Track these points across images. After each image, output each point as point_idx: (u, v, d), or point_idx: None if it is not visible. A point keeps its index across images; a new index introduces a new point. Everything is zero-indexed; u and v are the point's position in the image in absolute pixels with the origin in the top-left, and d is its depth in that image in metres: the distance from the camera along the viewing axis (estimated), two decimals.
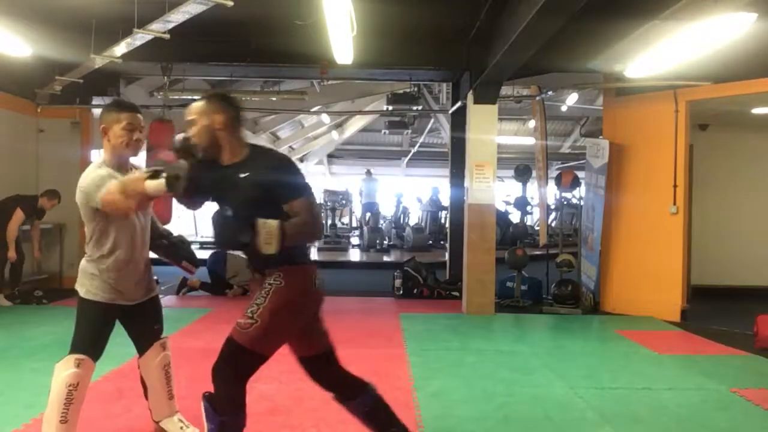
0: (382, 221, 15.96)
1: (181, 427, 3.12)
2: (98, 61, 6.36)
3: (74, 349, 2.78)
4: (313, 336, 2.64)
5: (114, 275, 2.82)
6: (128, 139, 2.83)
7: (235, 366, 2.41)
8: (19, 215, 6.66)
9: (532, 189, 14.16)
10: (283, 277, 2.46)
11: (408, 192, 18.67)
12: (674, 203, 6.65)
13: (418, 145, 21.89)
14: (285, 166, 2.52)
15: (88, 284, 2.82)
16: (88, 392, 3.82)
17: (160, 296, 3.25)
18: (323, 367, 2.67)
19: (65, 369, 2.74)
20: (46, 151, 8.02)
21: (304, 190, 2.46)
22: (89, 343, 2.81)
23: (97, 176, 2.74)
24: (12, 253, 6.68)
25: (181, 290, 7.76)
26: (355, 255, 13.20)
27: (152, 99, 9.72)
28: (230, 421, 2.42)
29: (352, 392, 2.72)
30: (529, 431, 3.42)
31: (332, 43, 5.43)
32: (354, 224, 17.72)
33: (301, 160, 23.94)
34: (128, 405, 3.69)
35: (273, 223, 2.32)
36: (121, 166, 2.88)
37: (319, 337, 2.66)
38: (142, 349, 3.08)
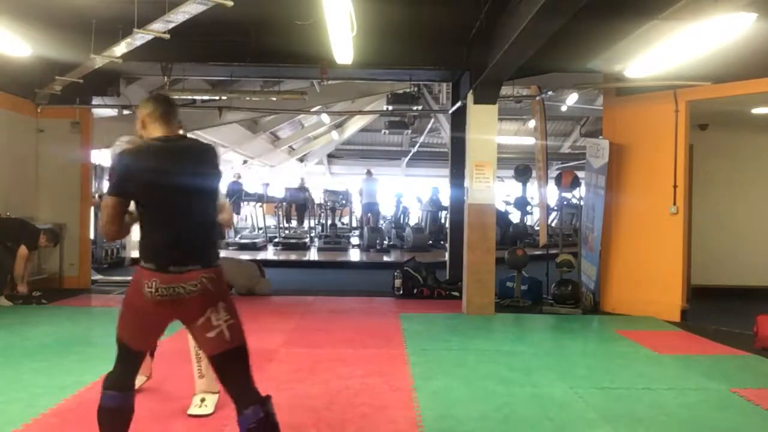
0: (382, 221, 15.97)
1: (198, 405, 3.57)
2: (98, 61, 6.36)
3: None
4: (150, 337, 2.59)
5: None
6: None
7: (117, 352, 2.52)
8: (23, 252, 6.86)
9: (532, 189, 14.16)
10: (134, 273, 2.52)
11: (408, 192, 18.67)
12: (674, 203, 6.65)
13: (418, 145, 21.90)
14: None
15: None
16: (86, 393, 3.86)
17: None
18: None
19: None
20: (46, 151, 8.02)
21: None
22: None
23: None
24: (23, 288, 6.98)
25: None
26: (355, 255, 13.20)
27: None
28: (104, 397, 2.48)
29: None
30: (529, 431, 3.43)
31: (332, 43, 5.42)
32: (354, 224, 17.73)
33: (301, 160, 24.00)
34: None
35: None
36: None
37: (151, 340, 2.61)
38: None
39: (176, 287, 2.36)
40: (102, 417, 2.46)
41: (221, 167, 2.63)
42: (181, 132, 2.68)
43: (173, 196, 2.45)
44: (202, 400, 3.60)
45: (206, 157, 2.56)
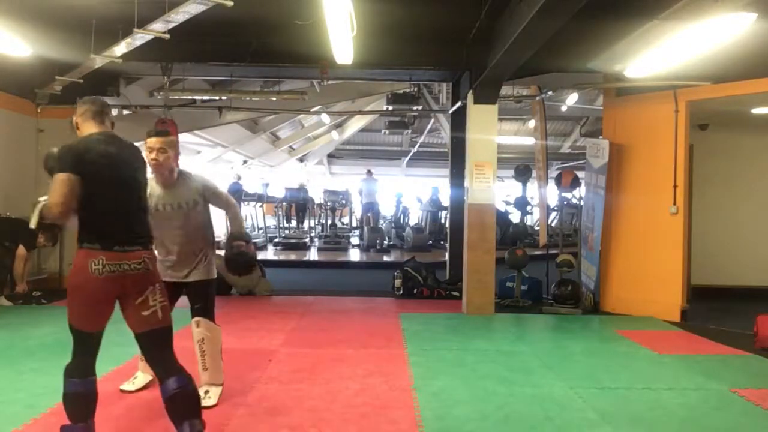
0: (382, 221, 15.97)
1: (202, 397, 3.51)
2: (98, 61, 6.36)
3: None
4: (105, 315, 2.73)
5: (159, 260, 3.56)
6: (149, 159, 3.46)
7: (73, 341, 2.74)
8: (22, 252, 6.86)
9: (532, 189, 14.18)
10: (75, 258, 2.70)
11: (408, 192, 18.68)
12: (674, 203, 6.65)
13: (418, 145, 21.91)
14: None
15: None
16: None
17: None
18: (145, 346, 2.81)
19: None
20: (46, 151, 8.00)
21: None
22: None
23: None
24: (22, 287, 6.98)
25: None
26: (355, 255, 13.20)
27: (152, 99, 9.71)
28: (67, 384, 2.72)
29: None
30: (529, 431, 3.43)
31: (332, 43, 5.42)
32: (354, 224, 17.73)
33: (301, 160, 24.01)
34: (129, 405, 3.69)
35: (42, 198, 2.85)
36: (159, 180, 3.62)
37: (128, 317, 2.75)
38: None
39: (122, 264, 2.63)
40: (66, 402, 2.71)
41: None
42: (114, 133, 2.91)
43: (118, 184, 2.73)
44: (206, 392, 3.67)
45: (136, 152, 2.91)
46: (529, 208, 15.15)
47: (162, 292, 2.76)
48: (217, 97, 9.53)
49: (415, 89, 10.91)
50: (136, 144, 3.06)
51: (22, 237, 6.89)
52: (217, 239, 3.98)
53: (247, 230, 3.72)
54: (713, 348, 5.48)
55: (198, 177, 3.77)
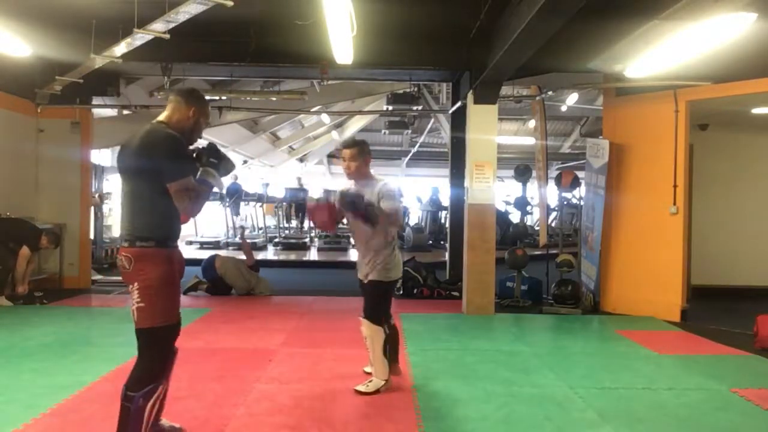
0: None
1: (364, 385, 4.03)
2: (98, 61, 6.36)
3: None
4: None
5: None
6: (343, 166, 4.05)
7: None
8: (26, 252, 6.85)
9: (532, 189, 14.17)
10: None
11: (408, 192, 18.66)
12: (674, 203, 6.65)
13: (418, 145, 21.89)
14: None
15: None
16: (87, 392, 3.86)
17: None
18: None
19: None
20: (46, 151, 8.02)
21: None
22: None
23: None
24: (23, 288, 6.96)
25: (189, 291, 7.78)
26: (355, 255, 13.15)
27: (152, 99, 9.71)
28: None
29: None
30: (529, 431, 3.43)
31: (332, 43, 5.43)
32: None
33: (301, 160, 24.00)
34: None
35: None
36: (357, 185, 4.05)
37: None
38: None
39: (117, 259, 2.80)
40: None
41: (162, 153, 2.66)
42: (161, 119, 2.91)
43: (121, 177, 2.84)
44: (370, 381, 4.03)
45: (142, 142, 2.71)
46: (529, 208, 15.15)
47: (141, 292, 2.69)
48: (217, 97, 9.54)
49: (415, 89, 10.91)
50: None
51: (25, 238, 6.88)
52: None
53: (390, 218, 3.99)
54: (713, 348, 5.48)
55: (383, 182, 4.01)
